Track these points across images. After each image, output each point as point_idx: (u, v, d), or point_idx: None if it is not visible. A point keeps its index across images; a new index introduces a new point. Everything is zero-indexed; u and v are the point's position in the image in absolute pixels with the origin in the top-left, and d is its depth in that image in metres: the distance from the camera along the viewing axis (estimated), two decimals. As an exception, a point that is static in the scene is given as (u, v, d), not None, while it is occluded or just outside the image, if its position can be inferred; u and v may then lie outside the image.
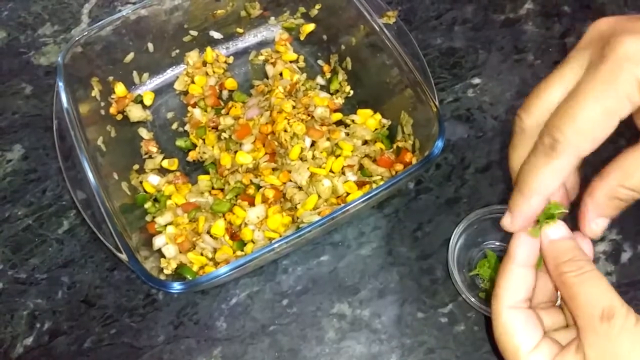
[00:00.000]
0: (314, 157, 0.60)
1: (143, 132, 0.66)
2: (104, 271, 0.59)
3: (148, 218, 0.60)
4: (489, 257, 0.56)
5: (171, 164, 0.64)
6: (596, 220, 0.34)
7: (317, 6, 0.69)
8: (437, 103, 0.54)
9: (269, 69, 0.69)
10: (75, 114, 0.57)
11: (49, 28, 0.76)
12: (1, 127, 0.69)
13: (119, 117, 0.66)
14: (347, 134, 0.62)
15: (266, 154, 0.62)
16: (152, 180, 0.62)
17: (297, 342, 0.55)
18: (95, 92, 0.63)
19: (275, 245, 0.49)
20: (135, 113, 0.66)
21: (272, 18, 0.72)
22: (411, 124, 0.59)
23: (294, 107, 0.62)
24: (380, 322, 0.55)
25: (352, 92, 0.67)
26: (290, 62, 0.70)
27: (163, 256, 0.57)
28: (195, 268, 0.56)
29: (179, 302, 0.57)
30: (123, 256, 0.50)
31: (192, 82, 0.68)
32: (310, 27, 0.71)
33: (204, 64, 0.70)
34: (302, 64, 0.70)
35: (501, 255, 0.56)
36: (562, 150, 0.32)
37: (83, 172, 0.53)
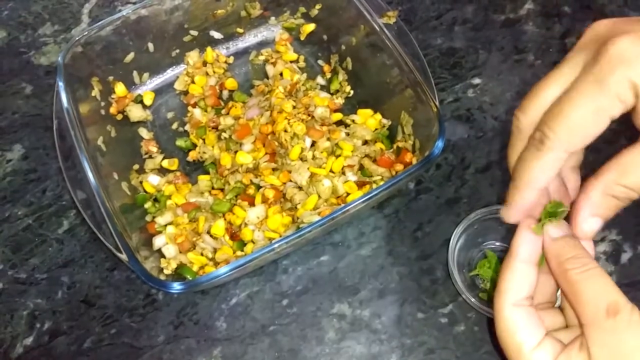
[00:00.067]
0: (314, 157, 0.60)
1: (143, 132, 0.66)
2: (104, 271, 0.59)
3: (148, 218, 0.60)
4: (489, 258, 0.56)
5: (171, 164, 0.64)
6: (589, 220, 0.34)
7: (318, 6, 0.69)
8: (437, 103, 0.54)
9: (269, 69, 0.69)
10: (76, 114, 0.57)
11: (49, 28, 0.76)
12: (1, 127, 0.69)
13: (119, 117, 0.66)
14: (347, 134, 0.62)
15: (266, 154, 0.62)
16: (152, 180, 0.62)
17: (297, 342, 0.55)
18: (95, 92, 0.63)
19: (275, 245, 0.49)
20: (136, 113, 0.66)
21: (273, 18, 0.72)
22: (411, 124, 0.59)
23: (294, 107, 0.62)
24: (380, 322, 0.55)
25: (352, 92, 0.67)
26: (291, 62, 0.70)
27: (163, 256, 0.57)
28: (195, 268, 0.56)
29: (179, 302, 0.57)
30: (123, 256, 0.50)
31: (192, 82, 0.68)
32: (311, 27, 0.71)
33: (204, 63, 0.70)
34: (302, 64, 0.70)
35: (501, 255, 0.56)
36: (550, 145, 0.33)
37: (83, 172, 0.53)
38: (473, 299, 0.53)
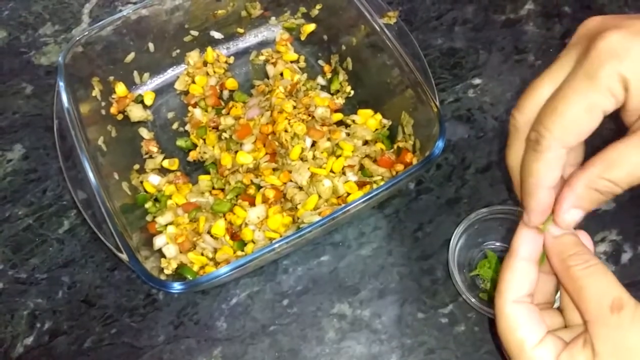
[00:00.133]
0: (314, 157, 0.60)
1: (144, 132, 0.66)
2: (105, 271, 0.59)
3: (148, 218, 0.60)
4: (489, 258, 0.56)
5: (172, 163, 0.64)
6: (571, 211, 0.34)
7: (318, 6, 0.69)
8: (437, 103, 0.54)
9: (270, 69, 0.69)
10: (76, 114, 0.57)
11: (50, 28, 0.76)
12: (2, 127, 0.69)
13: (120, 117, 0.66)
14: (348, 134, 0.62)
15: (267, 154, 0.62)
16: (153, 180, 0.62)
17: (297, 342, 0.55)
18: (95, 92, 0.63)
19: (276, 245, 0.49)
20: (136, 113, 0.66)
21: (273, 18, 0.72)
22: (412, 124, 0.59)
23: (294, 107, 0.62)
24: (380, 322, 0.55)
25: (352, 92, 0.67)
26: (291, 62, 0.70)
27: (163, 256, 0.57)
28: (195, 268, 0.56)
29: (179, 302, 0.57)
30: (123, 256, 0.50)
31: (193, 82, 0.68)
32: (311, 27, 0.71)
33: (205, 64, 0.70)
34: (302, 64, 0.70)
35: (502, 255, 0.56)
36: (547, 144, 0.33)
37: (83, 172, 0.53)
38: (473, 299, 0.53)
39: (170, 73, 0.70)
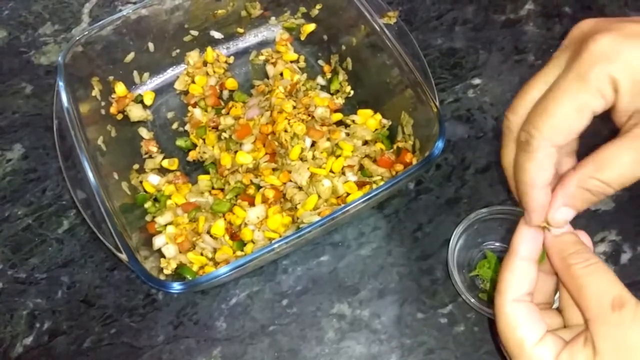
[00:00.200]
0: (314, 158, 0.60)
1: (143, 132, 0.66)
2: (104, 271, 0.59)
3: (148, 218, 0.60)
4: (489, 258, 0.56)
5: (171, 163, 0.64)
6: (562, 210, 0.35)
7: (318, 6, 0.69)
8: (437, 103, 0.54)
9: (270, 69, 0.69)
10: (76, 114, 0.57)
11: (50, 27, 0.76)
12: (1, 127, 0.69)
13: (119, 116, 0.66)
14: (348, 134, 0.62)
15: (266, 154, 0.62)
16: (152, 180, 0.62)
17: (297, 342, 0.55)
18: (95, 92, 0.63)
19: (275, 245, 0.49)
20: (136, 113, 0.66)
21: (273, 18, 0.72)
22: (411, 124, 0.59)
23: (294, 107, 0.62)
24: (380, 322, 0.55)
25: (352, 92, 0.67)
26: (291, 62, 0.70)
27: (163, 256, 0.57)
28: (195, 268, 0.56)
29: (178, 302, 0.57)
30: (123, 256, 0.50)
31: (193, 81, 0.68)
32: (311, 27, 0.71)
33: (205, 63, 0.70)
34: (302, 64, 0.70)
35: (501, 256, 0.56)
36: (536, 144, 0.34)
37: (83, 171, 0.53)
38: (473, 300, 0.53)
39: (170, 73, 0.70)
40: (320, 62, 0.70)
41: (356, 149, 0.60)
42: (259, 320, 0.56)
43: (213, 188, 0.62)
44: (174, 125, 0.67)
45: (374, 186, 0.58)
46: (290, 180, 0.59)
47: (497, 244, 0.58)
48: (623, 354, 0.30)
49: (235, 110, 0.65)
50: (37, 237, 0.62)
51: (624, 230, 0.58)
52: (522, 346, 0.33)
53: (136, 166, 0.63)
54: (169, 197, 0.60)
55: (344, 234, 0.60)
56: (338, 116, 0.64)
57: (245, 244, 0.57)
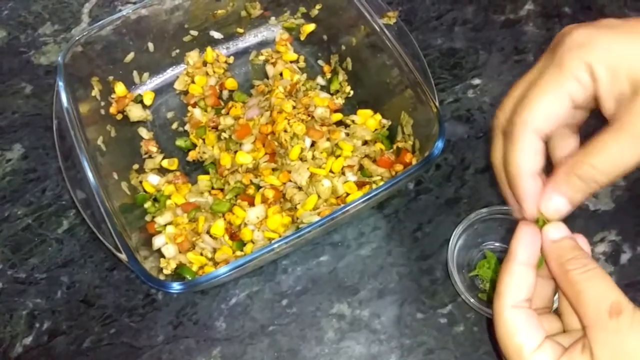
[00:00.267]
0: (313, 158, 0.60)
1: (143, 132, 0.66)
2: (104, 271, 0.59)
3: (148, 218, 0.60)
4: (488, 258, 0.56)
5: (171, 163, 0.64)
6: (553, 198, 0.35)
7: (318, 6, 0.69)
8: (437, 103, 0.54)
9: (269, 69, 0.69)
10: (75, 114, 0.57)
11: (49, 27, 0.76)
12: (1, 127, 0.69)
13: (119, 116, 0.66)
14: (347, 134, 0.62)
15: (266, 154, 0.62)
16: (152, 180, 0.62)
17: (297, 342, 0.55)
18: (95, 92, 0.63)
19: (275, 245, 0.49)
20: (135, 113, 0.66)
21: (273, 18, 0.72)
22: (411, 124, 0.59)
23: (294, 107, 0.62)
24: (379, 322, 0.55)
25: (352, 92, 0.67)
26: (291, 62, 0.70)
27: (163, 256, 0.57)
28: (194, 268, 0.56)
29: (178, 302, 0.57)
30: (122, 256, 0.50)
31: (192, 82, 0.68)
32: (311, 27, 0.71)
33: (204, 63, 0.70)
34: (302, 64, 0.70)
35: (501, 256, 0.56)
36: (519, 132, 0.35)
37: (83, 171, 0.53)
38: (472, 300, 0.53)
39: (169, 73, 0.70)
40: (320, 62, 0.70)
41: (356, 149, 0.60)
42: (258, 320, 0.56)
43: (213, 188, 0.62)
44: (174, 125, 0.67)
45: (374, 186, 0.58)
46: (290, 180, 0.59)
47: (497, 244, 0.58)
48: None
49: (235, 110, 0.65)
50: (36, 237, 0.62)
51: (624, 230, 0.58)
52: (520, 353, 0.33)
53: (136, 166, 0.63)
54: (169, 197, 0.60)
55: (344, 234, 0.60)
56: (338, 116, 0.64)
57: (244, 244, 0.57)
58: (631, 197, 0.59)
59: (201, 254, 0.57)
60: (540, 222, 0.36)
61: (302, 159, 0.60)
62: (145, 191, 0.62)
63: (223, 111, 0.67)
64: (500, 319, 0.35)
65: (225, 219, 0.58)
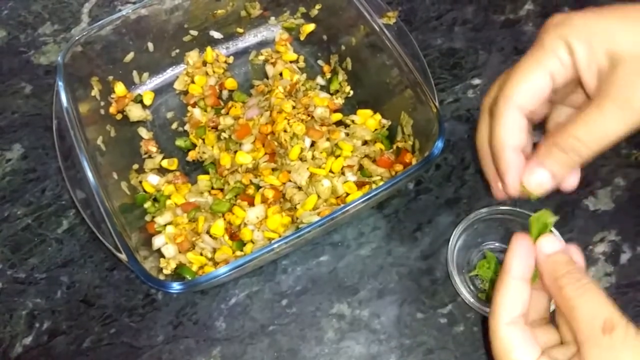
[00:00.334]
0: (313, 158, 0.60)
1: (143, 132, 0.66)
2: (104, 271, 0.59)
3: (147, 218, 0.60)
4: (488, 258, 0.56)
5: (171, 163, 0.64)
6: (536, 171, 0.36)
7: (317, 6, 0.69)
8: (437, 103, 0.54)
9: (269, 69, 0.69)
10: (75, 114, 0.57)
11: (49, 27, 0.76)
12: (1, 127, 0.69)
13: (119, 116, 0.66)
14: (347, 134, 0.62)
15: (266, 154, 0.62)
16: (152, 180, 0.62)
17: (297, 342, 0.55)
18: (95, 92, 0.63)
19: (275, 245, 0.49)
20: (135, 113, 0.66)
21: (272, 18, 0.72)
22: (411, 124, 0.59)
23: (293, 107, 0.62)
24: (379, 322, 0.55)
25: (352, 92, 0.67)
26: (290, 62, 0.70)
27: (162, 256, 0.57)
28: (194, 268, 0.56)
29: (178, 302, 0.57)
30: (122, 256, 0.50)
31: (192, 81, 0.68)
32: (311, 27, 0.71)
33: (204, 63, 0.70)
34: (302, 64, 0.70)
35: (501, 256, 0.56)
36: (502, 107, 0.37)
37: (82, 171, 0.53)
38: (472, 300, 0.53)
39: (169, 73, 0.70)
40: (320, 62, 0.70)
41: (356, 149, 0.60)
42: (258, 320, 0.56)
43: (212, 188, 0.62)
44: (174, 125, 0.67)
45: (374, 186, 0.58)
46: (290, 180, 0.59)
47: (497, 244, 0.58)
48: None
49: (235, 110, 0.65)
50: (36, 237, 0.62)
51: (624, 230, 0.58)
52: None
53: (136, 166, 0.63)
54: (169, 197, 0.60)
55: (344, 234, 0.60)
56: (338, 116, 0.64)
57: (244, 244, 0.57)
58: (631, 197, 0.59)
59: (201, 254, 0.57)
60: (534, 232, 0.36)
61: (301, 159, 0.60)
62: (145, 191, 0.62)
63: (223, 111, 0.67)
64: (496, 337, 0.35)
65: (225, 219, 0.58)
